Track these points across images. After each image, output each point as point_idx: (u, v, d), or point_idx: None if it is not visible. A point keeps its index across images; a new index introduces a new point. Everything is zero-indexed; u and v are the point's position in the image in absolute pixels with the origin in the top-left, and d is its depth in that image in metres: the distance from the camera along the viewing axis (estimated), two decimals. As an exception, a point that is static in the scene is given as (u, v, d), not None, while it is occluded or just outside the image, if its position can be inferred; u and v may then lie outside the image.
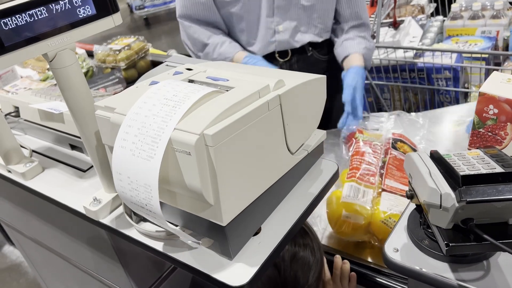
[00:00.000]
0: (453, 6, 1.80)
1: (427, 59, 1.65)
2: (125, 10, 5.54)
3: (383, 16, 1.87)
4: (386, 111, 1.89)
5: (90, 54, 1.80)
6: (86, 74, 1.67)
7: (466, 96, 1.70)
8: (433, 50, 1.64)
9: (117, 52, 1.66)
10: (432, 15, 2.06)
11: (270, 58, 1.31)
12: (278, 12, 1.24)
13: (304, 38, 1.30)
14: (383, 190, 0.92)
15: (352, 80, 1.21)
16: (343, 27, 1.34)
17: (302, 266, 0.73)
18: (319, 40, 1.33)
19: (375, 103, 1.93)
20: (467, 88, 1.68)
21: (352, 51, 1.27)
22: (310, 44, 1.33)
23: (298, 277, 0.73)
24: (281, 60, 1.34)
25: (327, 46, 1.39)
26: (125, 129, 0.47)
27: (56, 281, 1.20)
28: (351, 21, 1.32)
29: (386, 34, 1.83)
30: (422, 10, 2.02)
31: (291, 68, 1.35)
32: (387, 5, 1.87)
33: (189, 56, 1.42)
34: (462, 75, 1.65)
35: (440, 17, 1.97)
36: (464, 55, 1.64)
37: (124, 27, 5.08)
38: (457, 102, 1.70)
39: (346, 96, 1.20)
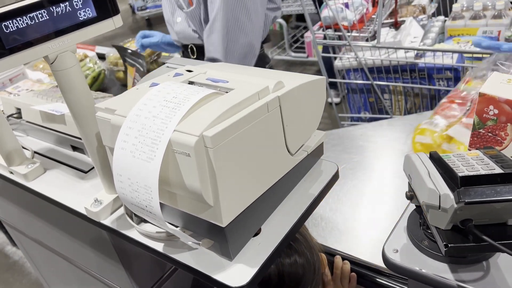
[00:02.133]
0: (454, 6, 1.80)
1: (428, 60, 1.65)
2: (127, 11, 5.56)
3: (384, 16, 1.87)
4: (387, 111, 1.90)
5: (101, 56, 1.78)
6: (97, 77, 1.64)
7: (467, 96, 1.70)
8: (434, 51, 1.64)
9: None
10: (433, 15, 2.06)
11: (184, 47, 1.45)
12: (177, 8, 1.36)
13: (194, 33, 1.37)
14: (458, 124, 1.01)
15: None
16: None
17: (295, 276, 0.73)
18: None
19: (376, 104, 1.93)
20: (469, 88, 1.68)
21: None
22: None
23: (297, 285, 0.73)
24: (190, 53, 1.42)
25: None
26: (126, 131, 0.47)
27: (58, 281, 1.21)
28: None
29: (387, 35, 1.83)
30: (423, 10, 2.02)
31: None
32: (388, 6, 1.87)
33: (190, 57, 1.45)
34: (464, 75, 1.65)
35: (442, 17, 1.97)
36: (465, 55, 1.64)
37: (126, 28, 5.09)
38: (458, 102, 1.69)
39: None
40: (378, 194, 1.07)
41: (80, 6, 0.53)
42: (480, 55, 1.59)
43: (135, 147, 0.46)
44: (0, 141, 0.72)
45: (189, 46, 1.41)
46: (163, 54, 1.79)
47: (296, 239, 0.77)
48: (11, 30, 0.48)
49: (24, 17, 0.49)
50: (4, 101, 0.91)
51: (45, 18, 0.50)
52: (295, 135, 0.56)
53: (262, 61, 1.45)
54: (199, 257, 0.55)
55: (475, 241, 0.46)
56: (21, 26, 0.49)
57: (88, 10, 0.53)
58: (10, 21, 0.48)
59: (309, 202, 0.61)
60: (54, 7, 0.51)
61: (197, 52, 1.41)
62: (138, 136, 0.46)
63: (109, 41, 1.85)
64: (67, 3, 0.51)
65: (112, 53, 1.70)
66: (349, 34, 1.75)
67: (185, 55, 1.47)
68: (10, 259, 2.14)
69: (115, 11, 0.56)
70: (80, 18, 0.53)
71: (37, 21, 0.50)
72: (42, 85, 1.26)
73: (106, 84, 1.70)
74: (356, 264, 0.89)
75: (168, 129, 0.45)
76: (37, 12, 0.49)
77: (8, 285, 2.00)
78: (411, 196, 0.56)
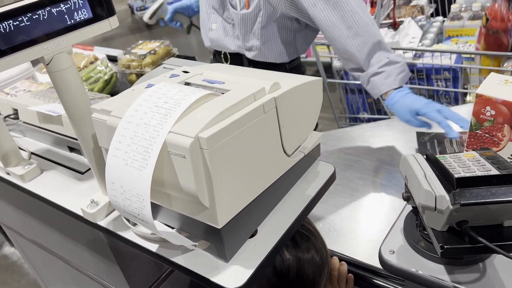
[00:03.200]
0: (453, 6, 1.80)
1: (426, 60, 1.65)
2: (126, 11, 5.55)
3: (383, 17, 1.87)
4: (385, 112, 1.90)
5: (112, 59, 1.71)
6: (109, 80, 1.57)
7: (465, 97, 1.71)
8: (433, 51, 1.64)
9: (142, 57, 1.61)
10: (431, 15, 2.06)
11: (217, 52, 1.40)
12: (214, 11, 1.30)
13: (231, 43, 1.31)
14: None
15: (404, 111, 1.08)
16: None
17: (313, 272, 0.74)
18: (248, 55, 1.29)
19: (374, 104, 1.93)
20: (466, 88, 1.68)
21: (383, 89, 1.09)
22: (249, 60, 1.32)
23: (313, 281, 0.74)
24: (223, 57, 1.37)
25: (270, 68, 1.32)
26: (118, 138, 0.47)
27: (56, 282, 1.21)
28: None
29: (385, 35, 1.83)
30: (421, 10, 2.02)
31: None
32: (386, 6, 1.87)
33: (193, 58, 1.43)
34: (462, 76, 1.65)
35: (440, 18, 1.97)
36: (463, 55, 1.64)
37: (125, 28, 5.09)
38: (456, 102, 1.70)
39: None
40: (375, 195, 1.07)
41: (76, 7, 0.53)
42: (478, 56, 1.59)
43: (127, 155, 0.46)
44: (-3, 142, 0.72)
45: (222, 53, 1.36)
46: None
47: (312, 233, 0.77)
48: (6, 31, 0.48)
49: (19, 19, 0.49)
50: (1, 101, 0.91)
51: (41, 19, 0.50)
52: (291, 136, 0.56)
53: (298, 71, 1.41)
54: (195, 258, 0.55)
55: (471, 242, 0.46)
56: (17, 27, 0.49)
57: (84, 11, 0.53)
58: (5, 23, 0.48)
59: (306, 203, 0.60)
60: (49, 8, 0.50)
61: (231, 59, 1.35)
62: (130, 144, 0.46)
63: (107, 42, 1.83)
64: (62, 4, 0.51)
65: (123, 56, 1.66)
66: (347, 34, 1.75)
67: (216, 59, 1.41)
68: (9, 260, 2.14)
69: (111, 12, 0.56)
70: (76, 19, 0.53)
71: (32, 22, 0.50)
72: (40, 86, 1.25)
73: (118, 87, 1.62)
74: (353, 265, 0.89)
75: (160, 136, 0.44)
76: (33, 13, 0.49)
77: (7, 285, 2.00)
78: (407, 197, 0.56)
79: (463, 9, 1.83)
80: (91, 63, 1.56)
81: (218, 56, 1.39)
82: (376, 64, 1.09)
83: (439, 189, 0.46)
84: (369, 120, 1.96)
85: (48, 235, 0.92)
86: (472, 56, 1.61)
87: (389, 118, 1.83)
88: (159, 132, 0.45)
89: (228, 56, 1.35)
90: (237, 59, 1.34)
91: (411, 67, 1.71)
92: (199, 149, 0.44)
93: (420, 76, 1.71)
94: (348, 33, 1.08)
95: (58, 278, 1.15)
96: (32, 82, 1.28)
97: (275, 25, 1.24)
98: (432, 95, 1.75)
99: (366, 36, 1.07)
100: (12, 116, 0.89)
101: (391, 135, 1.30)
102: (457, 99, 1.70)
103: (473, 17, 1.76)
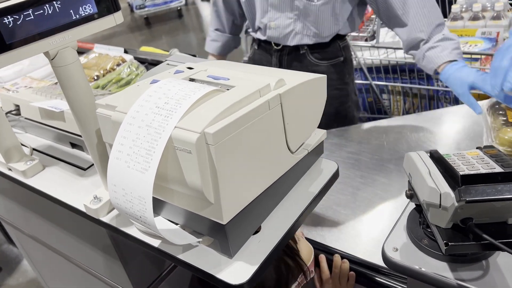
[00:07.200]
0: (453, 7, 1.81)
1: (427, 60, 1.65)
2: (126, 10, 5.55)
3: (384, 16, 1.87)
4: (385, 112, 1.90)
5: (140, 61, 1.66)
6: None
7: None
8: (433, 51, 1.64)
9: None
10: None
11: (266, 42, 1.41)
12: (272, 9, 1.30)
13: (295, 39, 1.33)
14: None
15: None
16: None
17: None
18: (310, 42, 1.33)
19: (374, 104, 1.94)
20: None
21: (438, 62, 1.13)
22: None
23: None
24: (275, 47, 1.38)
25: (325, 51, 1.36)
26: (120, 141, 0.47)
27: (55, 279, 1.21)
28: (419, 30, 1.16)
29: (386, 35, 1.83)
30: (422, 10, 2.02)
31: (280, 58, 1.40)
32: (387, 6, 1.87)
33: (193, 55, 1.43)
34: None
35: (441, 18, 1.97)
36: (464, 56, 1.64)
37: (124, 26, 5.09)
38: (456, 102, 1.70)
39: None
40: (376, 193, 1.07)
41: (81, 2, 0.52)
42: (478, 56, 1.60)
43: (130, 157, 0.46)
44: (-1, 138, 0.72)
45: (280, 46, 1.38)
46: (154, 50, 1.72)
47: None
48: (12, 25, 0.48)
49: (25, 12, 0.48)
50: (3, 97, 0.91)
51: (46, 14, 0.50)
52: (295, 133, 0.56)
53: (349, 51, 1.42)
54: (198, 254, 0.55)
55: (475, 239, 0.46)
56: (22, 21, 0.49)
57: (89, 6, 0.53)
58: (11, 16, 0.48)
59: (309, 200, 0.61)
60: (55, 3, 0.50)
61: (288, 53, 1.37)
62: (132, 146, 0.46)
63: (107, 40, 1.82)
64: (68, -2, 0.51)
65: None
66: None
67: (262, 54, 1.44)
68: (7, 257, 2.14)
69: (116, 7, 0.56)
70: (81, 14, 0.53)
71: (38, 16, 0.49)
72: (41, 82, 1.25)
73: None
74: (355, 262, 0.89)
75: (162, 139, 0.44)
76: (38, 7, 0.49)
77: (5, 283, 2.00)
78: (411, 194, 0.56)
79: (463, 9, 1.83)
80: (118, 65, 1.52)
81: (268, 52, 1.40)
82: (431, 39, 1.15)
83: (444, 186, 0.46)
84: (369, 120, 1.96)
85: (49, 232, 0.92)
86: (473, 56, 1.62)
87: (389, 117, 1.83)
88: (161, 134, 0.44)
89: (285, 50, 1.37)
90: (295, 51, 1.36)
91: (411, 66, 1.72)
92: (205, 145, 0.44)
93: (421, 76, 1.72)
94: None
95: (58, 274, 1.15)
96: (33, 79, 1.28)
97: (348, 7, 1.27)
98: (432, 95, 1.76)
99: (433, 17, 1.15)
100: (14, 112, 0.89)
101: (391, 134, 1.31)
102: (457, 99, 1.70)
103: (474, 18, 1.77)
